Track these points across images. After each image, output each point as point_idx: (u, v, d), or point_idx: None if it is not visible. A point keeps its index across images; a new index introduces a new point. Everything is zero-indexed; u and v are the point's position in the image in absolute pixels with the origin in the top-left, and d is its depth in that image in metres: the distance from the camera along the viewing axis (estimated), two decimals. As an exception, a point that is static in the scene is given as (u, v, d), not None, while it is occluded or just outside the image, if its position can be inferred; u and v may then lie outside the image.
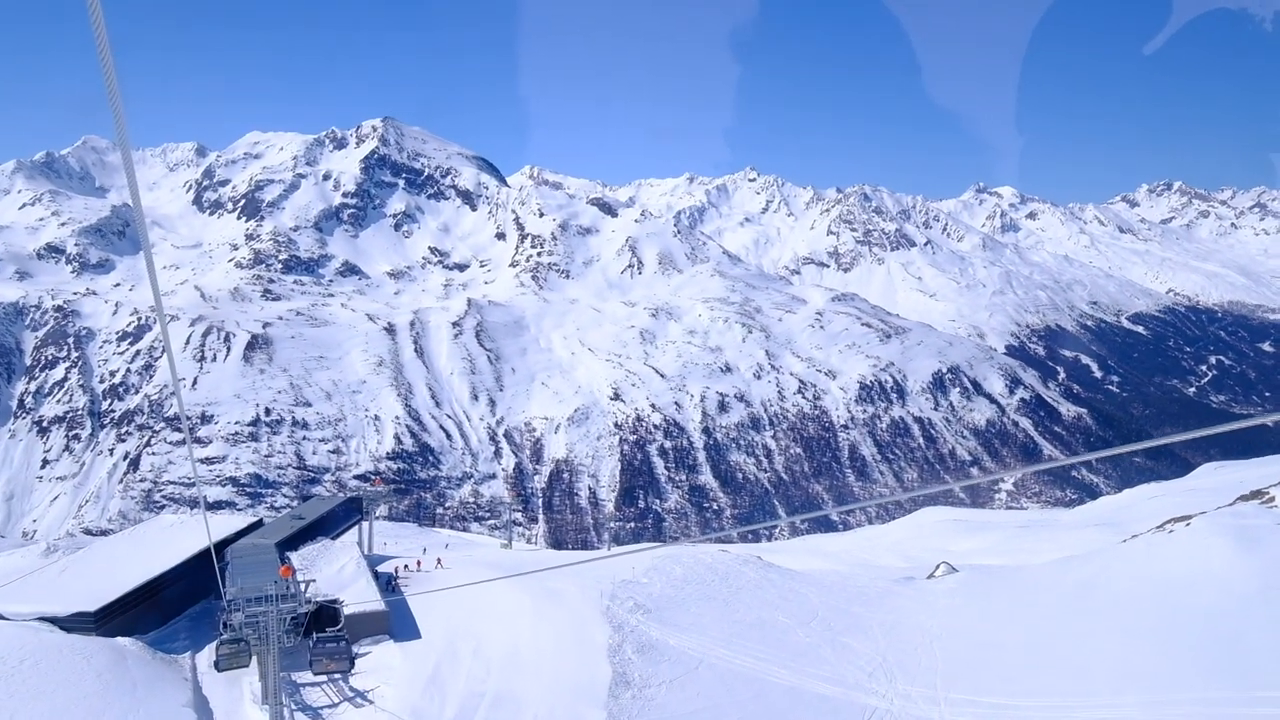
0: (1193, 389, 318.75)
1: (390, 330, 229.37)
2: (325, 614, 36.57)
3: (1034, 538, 66.85)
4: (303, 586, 36.20)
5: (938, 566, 47.17)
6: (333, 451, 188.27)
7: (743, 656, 32.13)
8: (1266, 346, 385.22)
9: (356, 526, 59.34)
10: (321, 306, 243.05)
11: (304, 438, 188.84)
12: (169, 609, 41.31)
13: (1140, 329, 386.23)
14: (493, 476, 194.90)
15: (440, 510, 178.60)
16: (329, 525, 55.17)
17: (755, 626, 35.56)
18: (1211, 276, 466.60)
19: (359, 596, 39.18)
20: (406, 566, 49.87)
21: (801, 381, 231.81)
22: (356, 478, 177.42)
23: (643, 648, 33.87)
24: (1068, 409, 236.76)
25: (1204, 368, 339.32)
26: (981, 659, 29.14)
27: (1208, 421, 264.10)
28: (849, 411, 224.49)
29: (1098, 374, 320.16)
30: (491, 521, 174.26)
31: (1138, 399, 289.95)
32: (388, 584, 44.89)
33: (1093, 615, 30.25)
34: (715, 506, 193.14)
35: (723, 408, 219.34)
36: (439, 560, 52.02)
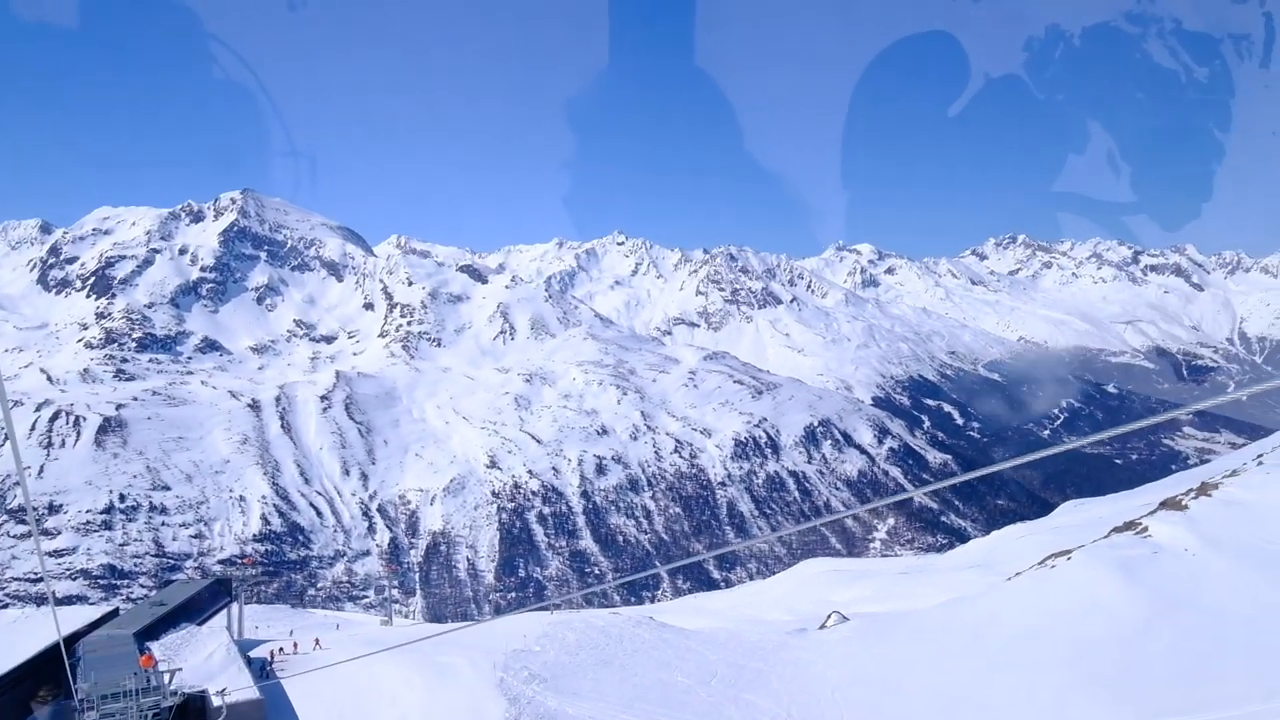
0: (1046, 431, 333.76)
1: (255, 407, 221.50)
2: (192, 707, 34.00)
3: (914, 583, 68.19)
4: (166, 677, 33.99)
5: (829, 616, 47.49)
6: (195, 536, 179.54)
7: None
8: (1110, 388, 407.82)
9: (225, 610, 56.07)
10: (180, 385, 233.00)
11: (163, 523, 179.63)
12: (10, 716, 38.23)
13: (996, 376, 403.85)
14: (367, 553, 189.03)
15: (312, 591, 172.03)
16: (194, 611, 52.10)
17: (655, 688, 35.00)
18: (1057, 323, 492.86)
19: (230, 685, 37.08)
20: (282, 650, 47.48)
21: (677, 441, 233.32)
22: (221, 562, 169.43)
23: (540, 719, 32.94)
24: (934, 456, 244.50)
25: (1056, 410, 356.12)
26: (886, 705, 29.29)
27: (1062, 461, 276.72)
28: (725, 468, 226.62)
29: (959, 421, 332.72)
30: (367, 600, 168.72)
31: (997, 443, 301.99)
32: (262, 670, 42.33)
33: (990, 654, 30.73)
34: (597, 571, 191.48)
35: (601, 470, 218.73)
36: (317, 641, 49.77)
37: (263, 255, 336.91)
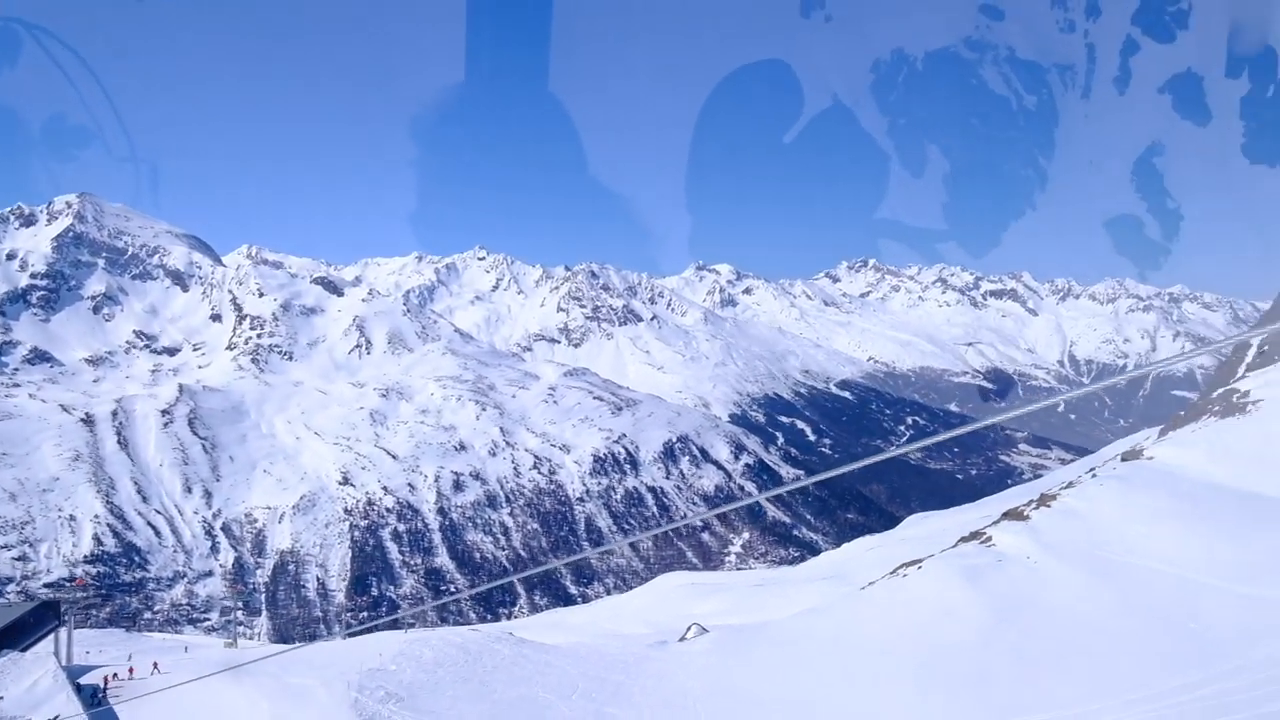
0: (894, 448, 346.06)
1: (89, 421, 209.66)
2: None
3: (769, 595, 69.57)
4: None
5: (689, 628, 47.90)
6: (18, 559, 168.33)
7: None
8: (953, 406, 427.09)
9: (52, 635, 52.42)
10: (5, 399, 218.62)
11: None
12: None
13: (847, 394, 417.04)
14: (209, 574, 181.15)
15: (149, 615, 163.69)
16: (16, 636, 48.58)
17: (516, 705, 34.58)
18: (905, 344, 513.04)
19: (60, 714, 34.77)
20: (116, 675, 44.93)
21: (537, 457, 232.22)
22: (49, 585, 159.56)
23: None
24: (787, 471, 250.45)
25: (902, 428, 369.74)
26: (746, 715, 29.68)
27: (909, 476, 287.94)
28: (584, 484, 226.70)
29: (812, 437, 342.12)
30: (209, 623, 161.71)
31: (848, 459, 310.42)
32: (94, 697, 39.83)
33: (846, 661, 31.47)
34: (453, 589, 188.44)
35: (458, 487, 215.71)
36: (155, 665, 47.32)
37: (101, 262, 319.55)
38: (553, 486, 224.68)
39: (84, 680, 43.33)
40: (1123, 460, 39.33)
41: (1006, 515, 39.64)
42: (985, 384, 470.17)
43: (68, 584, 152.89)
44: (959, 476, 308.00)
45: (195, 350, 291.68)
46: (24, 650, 45.82)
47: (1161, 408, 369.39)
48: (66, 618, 53.06)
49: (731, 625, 50.43)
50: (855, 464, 8.75)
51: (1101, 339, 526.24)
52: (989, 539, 36.88)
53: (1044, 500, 39.02)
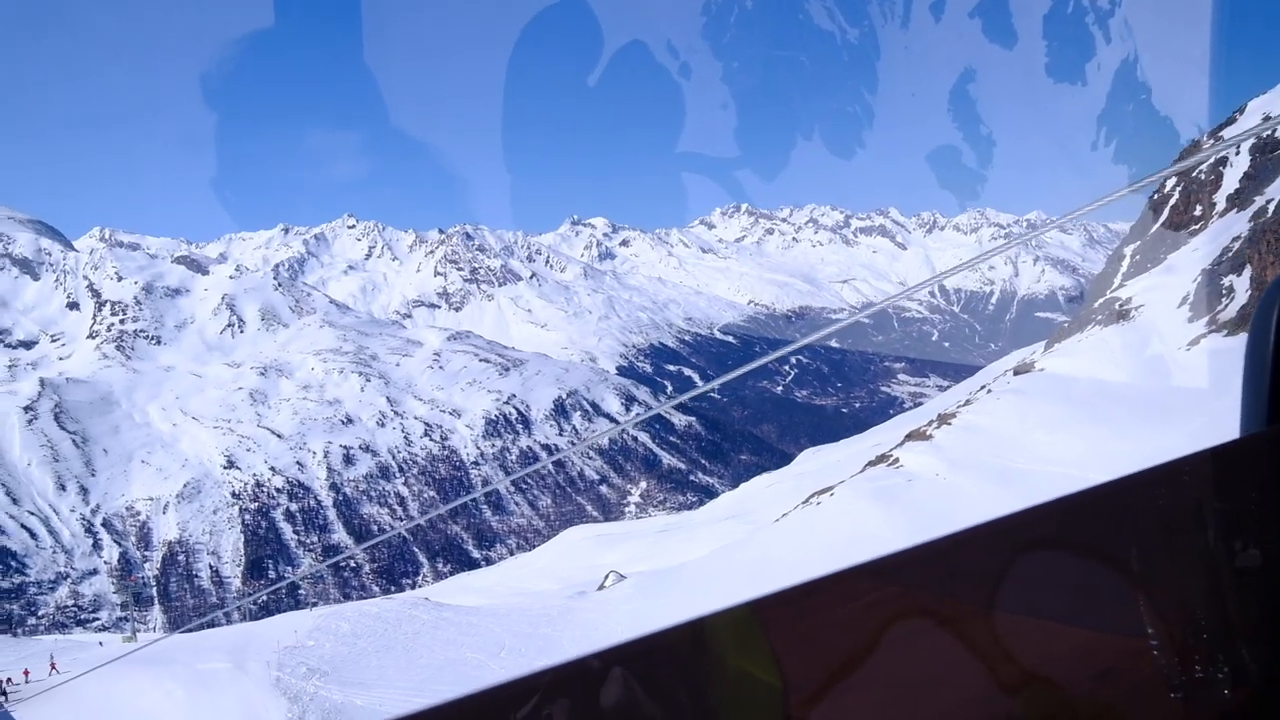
0: (779, 388, 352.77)
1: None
2: None
3: (676, 539, 70.11)
4: None
5: (607, 576, 48.04)
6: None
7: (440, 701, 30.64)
8: (833, 343, 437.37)
9: None
10: None
11: None
12: None
13: (730, 338, 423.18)
14: (94, 572, 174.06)
15: (33, 620, 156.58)
16: None
17: (445, 668, 34.11)
18: (782, 286, 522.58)
19: None
20: (10, 680, 42.83)
21: (427, 424, 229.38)
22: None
23: (327, 715, 31.32)
24: (679, 419, 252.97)
25: (787, 367, 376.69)
26: None
27: (796, 413, 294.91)
28: (478, 448, 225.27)
29: (700, 383, 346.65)
30: (99, 622, 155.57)
31: (736, 403, 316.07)
32: None
33: (771, 588, 31.85)
34: (353, 564, 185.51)
35: (349, 461, 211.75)
36: (52, 664, 45.28)
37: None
38: (446, 452, 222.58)
39: None
40: (1015, 374, 40.98)
41: (910, 436, 40.96)
42: (862, 319, 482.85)
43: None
44: (844, 410, 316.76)
45: (54, 341, 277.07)
46: None
47: (1029, 330, 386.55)
48: None
49: (649, 570, 50.84)
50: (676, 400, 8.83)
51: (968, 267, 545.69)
52: (896, 460, 38.04)
53: (944, 419, 40.41)
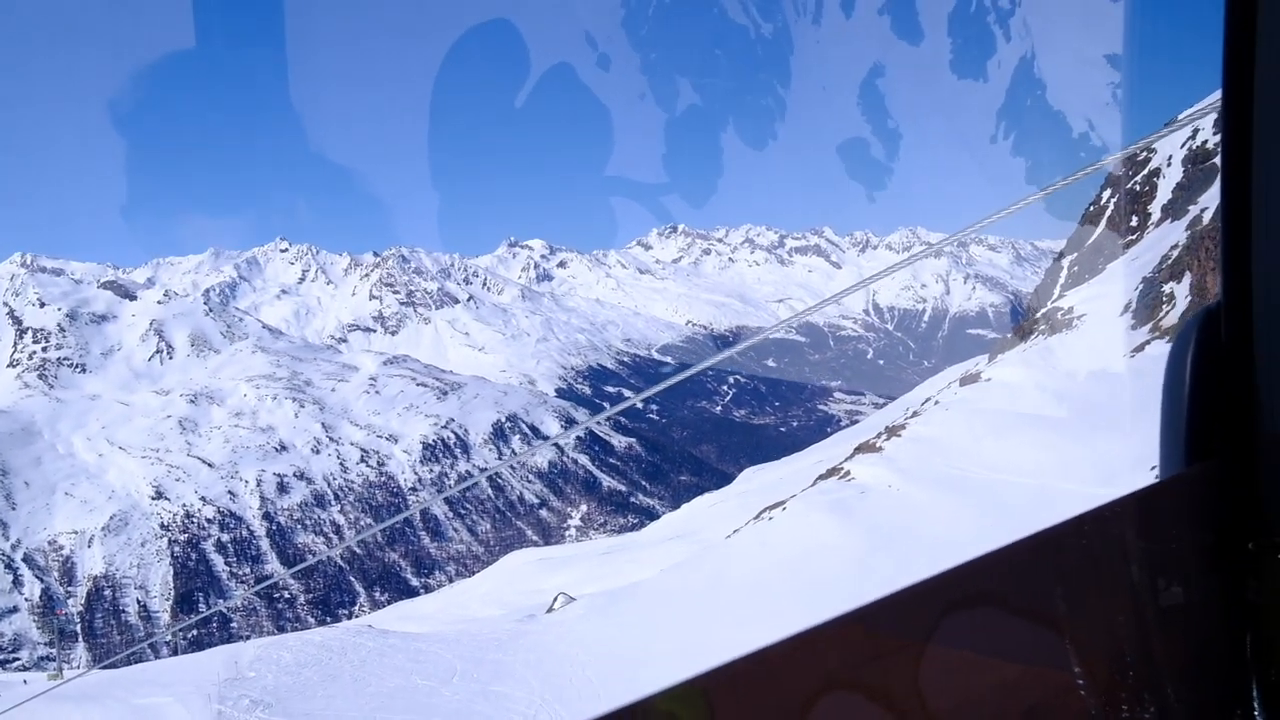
0: (718, 407, 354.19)
1: None
2: None
3: (621, 561, 68.97)
4: None
5: (556, 598, 46.99)
6: None
7: None
8: (770, 362, 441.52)
9: None
10: None
11: None
12: None
13: (669, 359, 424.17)
14: (14, 610, 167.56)
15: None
16: None
17: (396, 695, 32.75)
18: (719, 305, 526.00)
19: None
20: None
21: (363, 450, 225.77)
22: None
23: None
24: (619, 440, 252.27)
25: (725, 388, 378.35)
26: (640, 672, 28.92)
27: (735, 433, 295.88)
28: (415, 473, 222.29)
29: (640, 406, 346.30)
30: (19, 661, 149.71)
31: (676, 423, 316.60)
32: None
33: (729, 605, 31.07)
34: (287, 595, 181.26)
35: (282, 489, 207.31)
36: None
37: None
38: (383, 479, 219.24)
39: None
40: (961, 385, 41.02)
41: (860, 449, 40.72)
42: (798, 338, 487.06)
43: None
44: (783, 429, 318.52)
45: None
46: None
47: (961, 347, 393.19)
48: None
49: (599, 591, 49.84)
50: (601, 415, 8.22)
51: (901, 286, 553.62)
52: (847, 473, 37.71)
53: (893, 431, 40.24)
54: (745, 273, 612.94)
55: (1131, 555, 1.89)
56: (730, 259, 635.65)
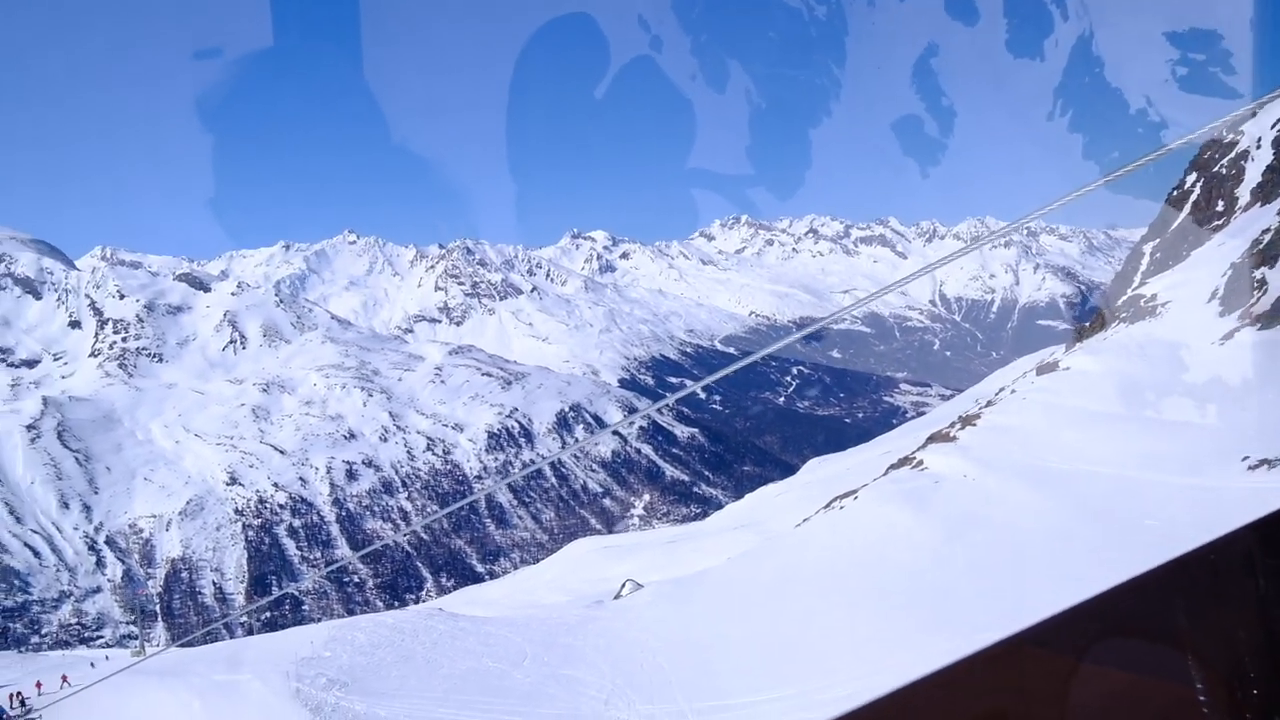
0: (781, 398, 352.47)
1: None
2: None
3: (687, 550, 69.10)
4: None
5: (624, 585, 47.35)
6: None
7: (468, 712, 29.70)
8: (835, 353, 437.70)
9: None
10: None
11: None
12: None
13: (732, 349, 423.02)
14: (97, 590, 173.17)
15: (36, 639, 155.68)
16: None
17: (467, 678, 33.12)
18: (783, 296, 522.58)
19: None
20: (19, 693, 42.16)
21: (429, 438, 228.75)
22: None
23: None
24: (682, 431, 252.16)
25: (788, 379, 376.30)
26: (711, 663, 29.06)
27: (800, 425, 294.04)
28: (480, 461, 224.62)
29: (702, 395, 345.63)
30: (102, 640, 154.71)
31: (739, 414, 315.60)
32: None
33: (803, 596, 30.97)
34: (356, 579, 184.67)
35: (351, 476, 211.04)
36: (64, 678, 44.61)
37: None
38: (449, 467, 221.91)
39: None
40: (1038, 374, 40.38)
41: (932, 439, 40.31)
42: (864, 329, 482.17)
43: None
44: (847, 420, 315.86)
45: (56, 360, 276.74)
46: None
47: (1031, 338, 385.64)
48: None
49: (666, 579, 50.00)
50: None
51: (969, 276, 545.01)
52: (920, 463, 37.38)
53: (967, 420, 39.78)
54: (809, 263, 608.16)
55: (1261, 574, 1.84)
56: (794, 249, 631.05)
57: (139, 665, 48.25)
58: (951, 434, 38.29)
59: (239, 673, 35.74)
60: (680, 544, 76.99)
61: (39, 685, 43.45)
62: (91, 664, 62.72)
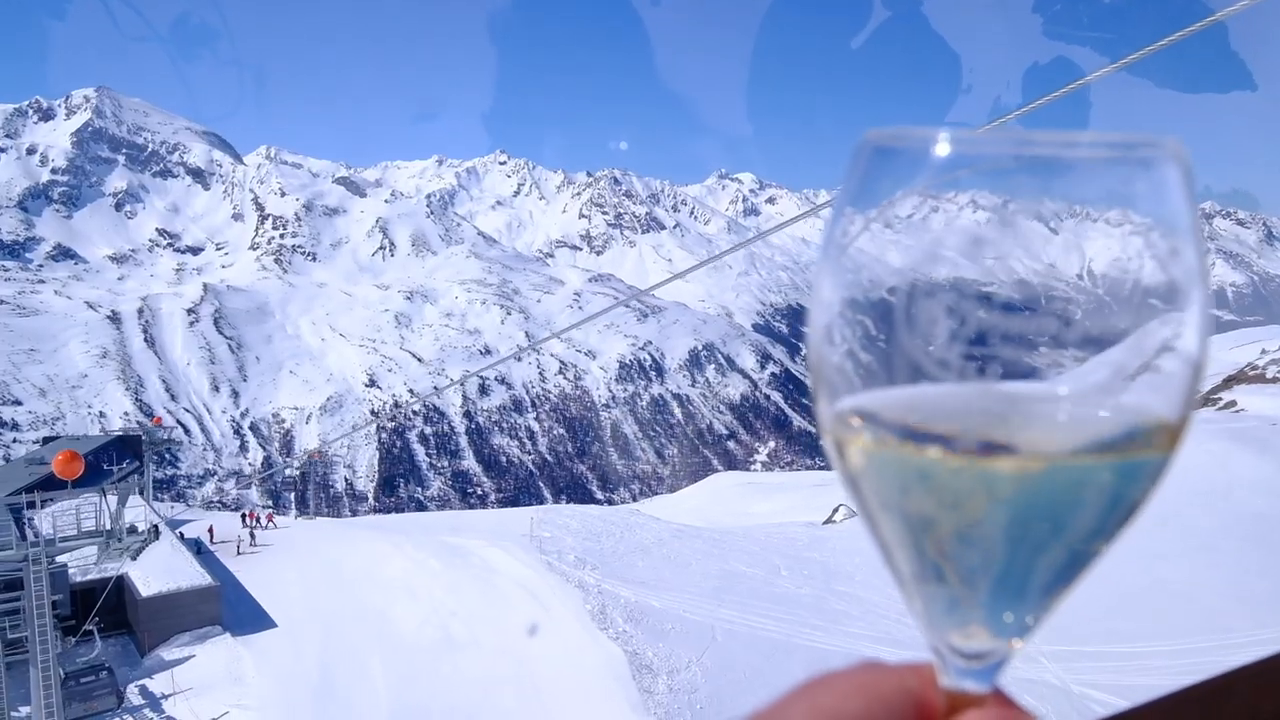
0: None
1: (115, 319, 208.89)
2: (104, 599, 25.53)
3: (835, 496, 67.05)
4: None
5: (836, 509, 45.92)
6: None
7: (752, 616, 27.34)
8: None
9: (135, 476, 42.00)
10: (31, 294, 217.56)
11: (14, 440, 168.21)
12: None
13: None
14: (238, 472, 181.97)
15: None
16: (92, 474, 36.29)
17: (729, 580, 31.12)
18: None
19: (162, 569, 28.96)
20: (250, 514, 42.86)
21: (562, 362, 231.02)
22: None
23: (631, 615, 27.54)
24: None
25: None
26: None
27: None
28: (610, 391, 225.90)
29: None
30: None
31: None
32: (198, 551, 35.64)
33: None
34: (480, 491, 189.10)
35: (484, 391, 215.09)
36: (270, 517, 45.26)
37: (121, 159, 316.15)
38: (578, 392, 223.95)
39: (183, 532, 38.96)
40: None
41: (1231, 380, 36.76)
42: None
43: (146, 421, 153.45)
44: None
45: (218, 250, 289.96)
46: (105, 491, 38.98)
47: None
48: (147, 458, 47.89)
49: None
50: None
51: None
52: (1231, 404, 34.10)
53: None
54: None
55: None
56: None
57: (322, 523, 48.21)
58: (1266, 374, 34.75)
59: (467, 538, 33.81)
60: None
61: (256, 517, 44.19)
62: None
